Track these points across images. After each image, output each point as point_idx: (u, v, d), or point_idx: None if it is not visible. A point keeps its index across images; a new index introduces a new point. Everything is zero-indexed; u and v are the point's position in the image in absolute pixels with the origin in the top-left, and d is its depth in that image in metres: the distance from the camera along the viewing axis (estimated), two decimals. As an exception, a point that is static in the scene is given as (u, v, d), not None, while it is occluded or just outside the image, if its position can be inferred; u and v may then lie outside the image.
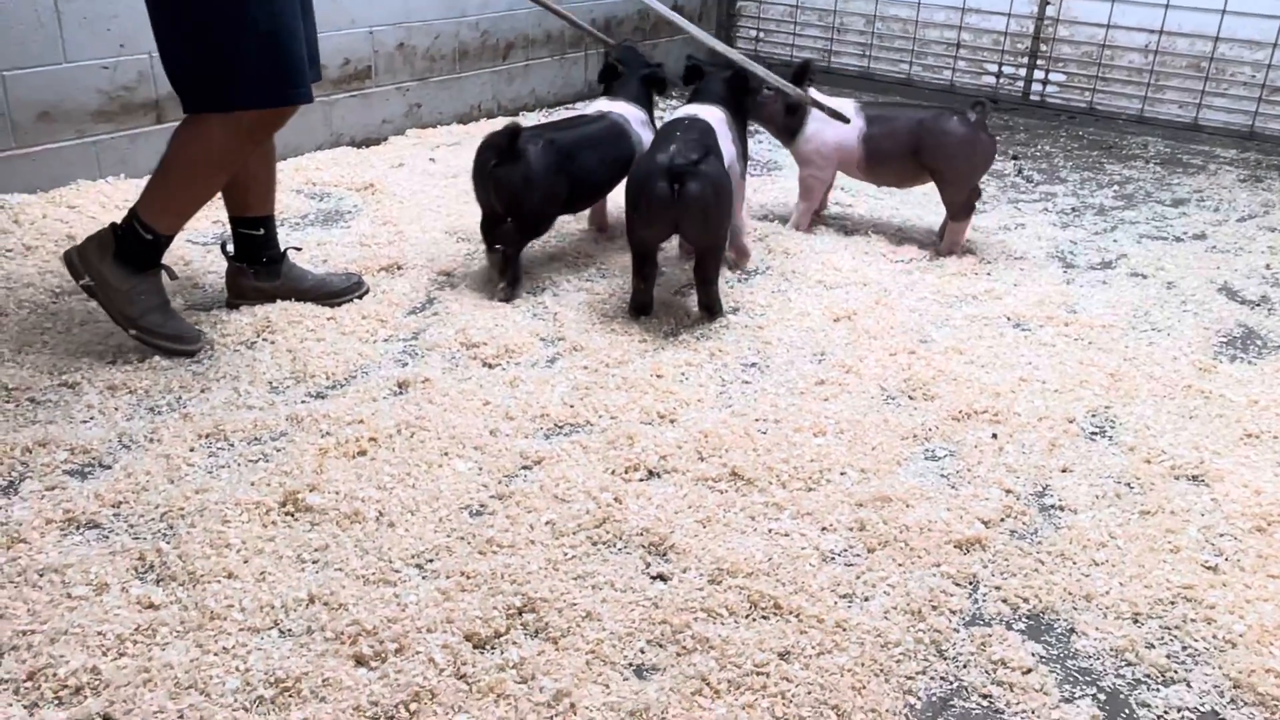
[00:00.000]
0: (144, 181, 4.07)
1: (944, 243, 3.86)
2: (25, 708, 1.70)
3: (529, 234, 3.33)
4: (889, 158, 3.78)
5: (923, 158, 3.71)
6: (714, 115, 3.37)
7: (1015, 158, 5.11)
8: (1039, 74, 5.96)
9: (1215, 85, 5.50)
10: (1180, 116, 5.61)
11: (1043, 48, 5.90)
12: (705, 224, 3.02)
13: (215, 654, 1.82)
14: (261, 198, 3.07)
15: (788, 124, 3.85)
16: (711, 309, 3.18)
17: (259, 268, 3.10)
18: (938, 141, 3.68)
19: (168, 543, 2.09)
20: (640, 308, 3.19)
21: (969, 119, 3.67)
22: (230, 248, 3.12)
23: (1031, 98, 5.99)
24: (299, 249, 3.29)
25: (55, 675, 1.75)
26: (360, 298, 3.22)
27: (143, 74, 3.98)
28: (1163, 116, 5.65)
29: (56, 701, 1.72)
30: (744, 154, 3.56)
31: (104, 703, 1.70)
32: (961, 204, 3.76)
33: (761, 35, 6.80)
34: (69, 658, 1.78)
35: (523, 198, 3.19)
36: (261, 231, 3.07)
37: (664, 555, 2.13)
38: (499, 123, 5.32)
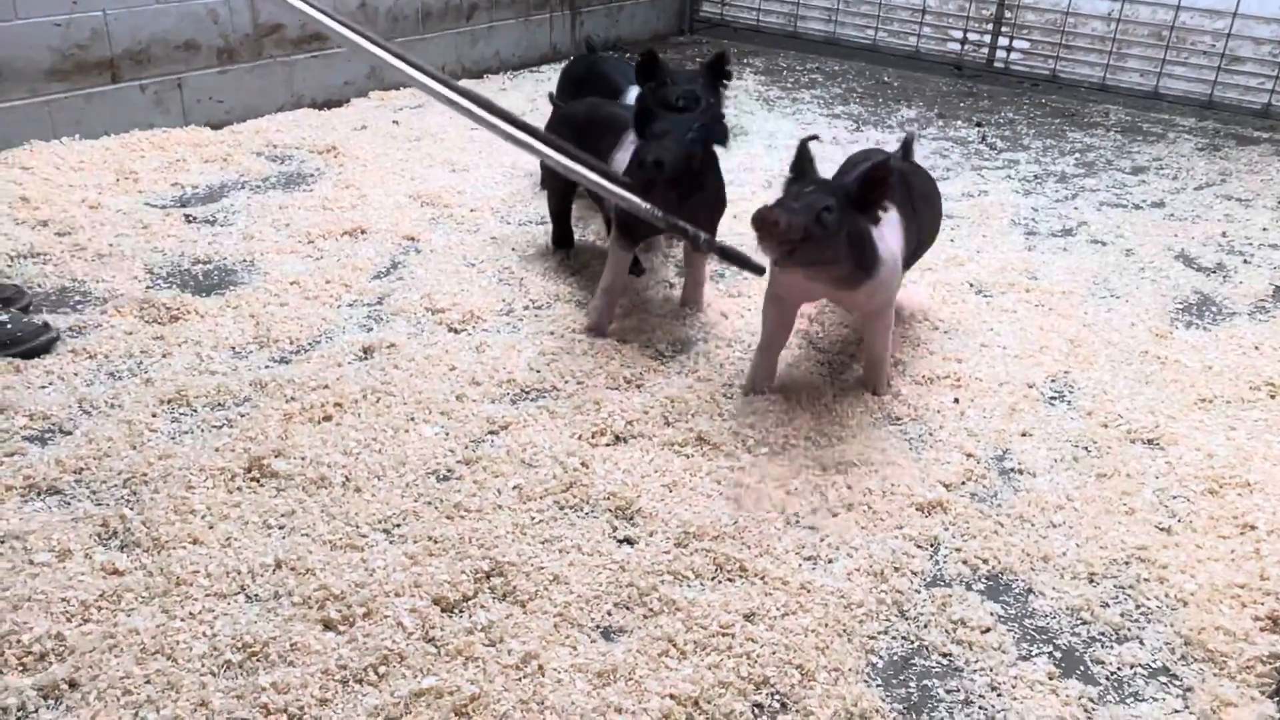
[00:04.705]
0: (100, 142, 4.01)
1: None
2: (-11, 674, 1.69)
3: None
4: (911, 241, 2.73)
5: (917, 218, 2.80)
6: None
7: (979, 125, 5.14)
8: (1003, 41, 5.98)
9: (1176, 54, 5.55)
10: (1141, 85, 5.65)
11: (1007, 14, 5.91)
12: None
13: (181, 619, 1.82)
14: None
15: (861, 260, 2.41)
16: None
17: None
18: (924, 191, 2.90)
19: (131, 509, 2.08)
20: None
21: (914, 164, 2.97)
22: None
23: (996, 65, 6.01)
24: None
25: (19, 642, 1.74)
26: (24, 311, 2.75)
27: (96, 31, 3.89)
28: (1124, 85, 5.70)
29: (21, 668, 1.71)
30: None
31: (69, 669, 1.70)
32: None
33: (727, 0, 6.75)
34: (33, 624, 1.77)
35: None
36: None
37: (631, 519, 2.15)
38: (462, 86, 5.27)
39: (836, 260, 2.34)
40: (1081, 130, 5.18)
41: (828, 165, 4.32)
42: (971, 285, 3.33)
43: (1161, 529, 2.22)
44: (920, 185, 2.86)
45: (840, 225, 2.28)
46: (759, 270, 2.32)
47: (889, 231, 2.53)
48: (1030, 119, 5.32)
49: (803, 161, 2.44)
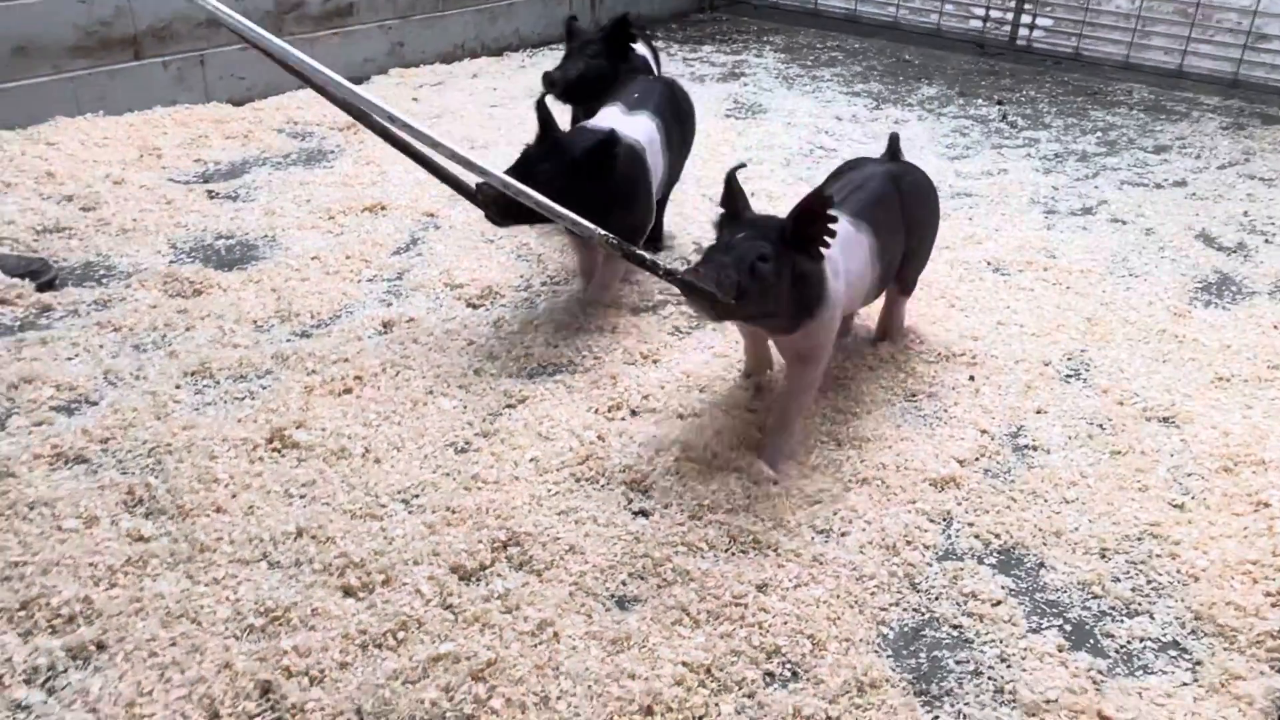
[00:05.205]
0: (124, 119, 4.05)
1: (890, 327, 2.80)
2: (20, 635, 1.74)
3: None
4: (894, 258, 2.53)
5: (909, 239, 2.59)
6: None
7: (1000, 103, 5.11)
8: (1026, 18, 5.93)
9: (1201, 32, 5.50)
10: (1165, 63, 5.60)
11: (1030, -9, 5.87)
12: None
13: (205, 585, 1.86)
14: None
15: (804, 303, 2.16)
16: None
17: None
18: (918, 199, 2.63)
19: (156, 477, 2.12)
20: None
21: (905, 162, 2.71)
22: None
23: (1018, 42, 5.97)
24: None
25: (48, 604, 1.78)
26: (46, 289, 2.81)
27: (120, 9, 3.92)
28: (1148, 63, 5.65)
29: (50, 630, 1.75)
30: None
31: (97, 631, 1.74)
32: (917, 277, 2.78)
33: (748, -24, 6.72)
34: (61, 588, 1.81)
35: None
36: None
37: (646, 492, 2.17)
38: (482, 63, 5.29)
39: (777, 311, 2.12)
40: (1104, 109, 5.14)
41: (848, 144, 4.33)
42: (989, 263, 3.32)
43: (1175, 506, 2.22)
44: (910, 189, 2.58)
45: (779, 273, 2.04)
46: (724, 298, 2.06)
47: (850, 258, 2.28)
48: (1052, 97, 5.29)
49: (733, 196, 2.17)
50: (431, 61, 5.18)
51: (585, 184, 2.53)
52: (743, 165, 2.23)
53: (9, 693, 1.64)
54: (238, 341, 2.64)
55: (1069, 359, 2.78)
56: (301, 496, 2.11)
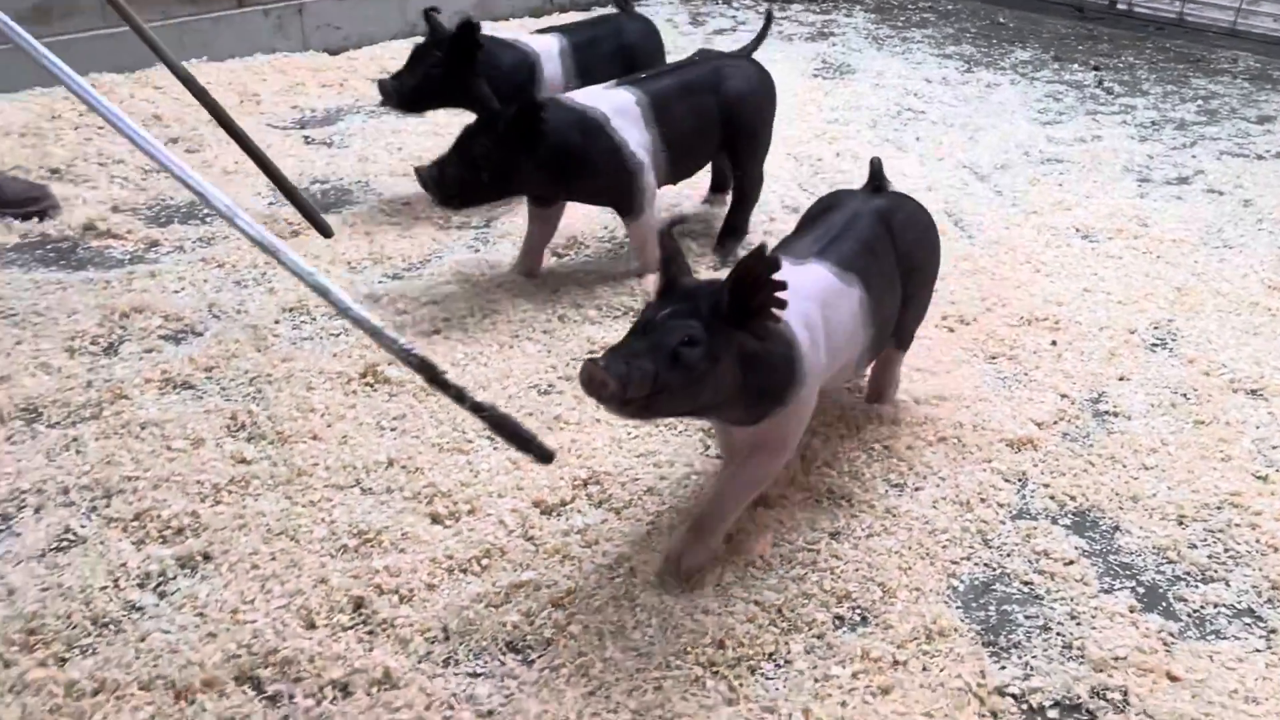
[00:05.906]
0: (226, 65, 4.18)
1: (883, 386, 2.35)
2: (134, 544, 1.86)
3: None
4: (890, 314, 2.12)
5: (905, 287, 2.15)
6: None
7: (1096, 68, 4.98)
8: (1128, -18, 5.76)
9: (1315, -2, 5.28)
10: (1275, 30, 5.39)
11: (1134, -46, 5.69)
12: None
13: (303, 506, 1.96)
14: None
15: (763, 388, 1.75)
16: None
17: None
18: (912, 235, 2.17)
19: (257, 405, 2.23)
20: None
21: (896, 194, 2.23)
22: None
23: (1119, 6, 5.79)
24: None
25: (159, 516, 1.91)
26: (40, 218, 2.92)
27: (225, -43, 4.04)
28: (1256, 30, 5.44)
29: (161, 540, 1.88)
30: None
31: (204, 543, 1.86)
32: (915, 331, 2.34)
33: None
34: (171, 502, 1.94)
35: None
36: None
37: (723, 439, 2.22)
38: (570, 18, 5.32)
39: (718, 403, 1.71)
40: (1206, 77, 4.98)
41: (937, 106, 4.28)
42: (1077, 230, 3.28)
43: (1258, 477, 2.20)
44: (904, 226, 2.14)
45: (712, 358, 1.63)
46: (545, 458, 1.67)
47: (839, 319, 1.90)
48: (1152, 64, 5.13)
49: (668, 259, 1.72)
50: (520, 15, 5.23)
51: (520, 153, 2.51)
52: (679, 222, 1.93)
53: (124, 594, 1.76)
54: (333, 281, 2.73)
55: (1156, 328, 2.75)
56: (393, 429, 2.20)
